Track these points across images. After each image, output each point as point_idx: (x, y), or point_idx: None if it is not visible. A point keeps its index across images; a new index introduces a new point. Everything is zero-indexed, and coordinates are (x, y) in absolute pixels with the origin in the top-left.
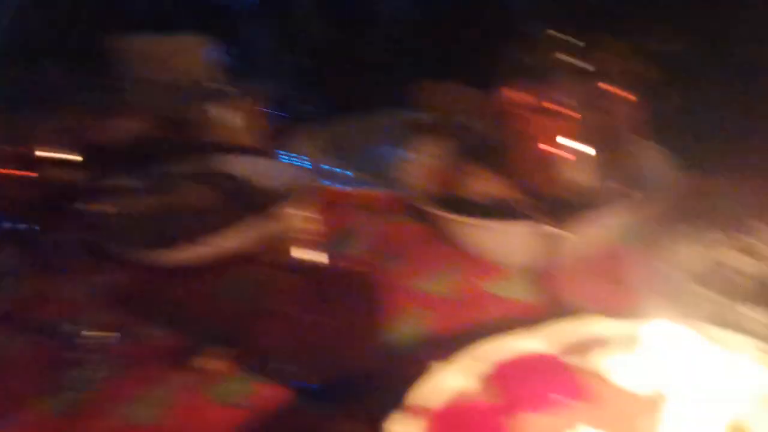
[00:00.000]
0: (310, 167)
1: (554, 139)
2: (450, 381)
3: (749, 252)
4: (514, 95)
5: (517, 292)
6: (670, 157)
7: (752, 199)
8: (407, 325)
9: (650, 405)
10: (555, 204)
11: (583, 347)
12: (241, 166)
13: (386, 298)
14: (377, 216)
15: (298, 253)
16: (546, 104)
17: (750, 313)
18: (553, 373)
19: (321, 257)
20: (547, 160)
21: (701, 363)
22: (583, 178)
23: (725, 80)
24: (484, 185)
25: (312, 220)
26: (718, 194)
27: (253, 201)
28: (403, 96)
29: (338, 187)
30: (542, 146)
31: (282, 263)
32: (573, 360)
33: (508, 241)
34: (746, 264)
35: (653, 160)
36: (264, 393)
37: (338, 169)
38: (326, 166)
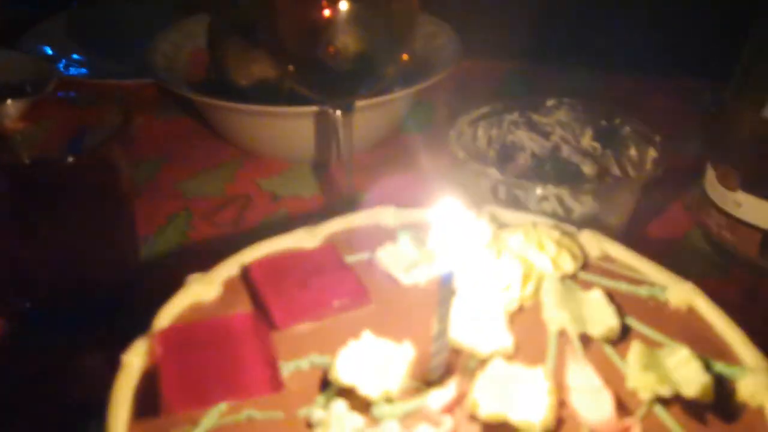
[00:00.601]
0: (54, 58)
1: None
2: (198, 293)
3: (542, 133)
4: None
5: (295, 188)
6: (459, 38)
7: (545, 81)
8: (166, 235)
9: (437, 298)
10: (330, 80)
11: (365, 241)
12: None
13: (133, 203)
14: (130, 109)
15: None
16: None
17: (542, 192)
18: (327, 273)
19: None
20: (318, 29)
21: (489, 250)
22: (359, 47)
23: None
24: (253, 66)
25: (50, 117)
26: (510, 77)
27: None
28: None
29: (84, 77)
30: (311, 14)
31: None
32: (352, 258)
33: (284, 129)
34: (539, 145)
35: (441, 39)
36: None
37: (84, 58)
38: (75, 56)
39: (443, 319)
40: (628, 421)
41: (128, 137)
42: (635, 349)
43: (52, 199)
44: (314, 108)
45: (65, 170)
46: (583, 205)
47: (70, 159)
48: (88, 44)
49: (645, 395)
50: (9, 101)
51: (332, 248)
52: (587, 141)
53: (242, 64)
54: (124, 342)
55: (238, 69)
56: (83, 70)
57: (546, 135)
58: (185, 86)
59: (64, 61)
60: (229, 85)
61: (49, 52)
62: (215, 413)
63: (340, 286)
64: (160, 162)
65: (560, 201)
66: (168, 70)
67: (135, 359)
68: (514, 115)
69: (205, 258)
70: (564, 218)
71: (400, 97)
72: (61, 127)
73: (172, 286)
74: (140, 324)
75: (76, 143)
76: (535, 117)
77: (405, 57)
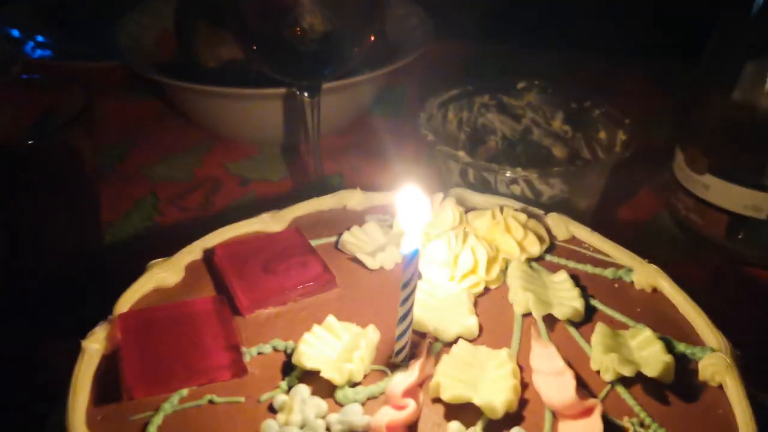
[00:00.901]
0: (20, 40)
1: None
2: (160, 278)
3: (513, 116)
4: None
5: (264, 171)
6: (430, 20)
7: (516, 63)
8: (132, 220)
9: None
10: (296, 61)
11: (331, 225)
12: None
13: (97, 187)
14: (94, 92)
15: None
16: None
17: (511, 175)
18: (292, 257)
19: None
20: (284, 9)
21: (455, 233)
22: (325, 27)
23: None
24: (221, 48)
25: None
26: (481, 60)
27: None
28: None
29: (50, 60)
30: None
31: None
32: (317, 242)
33: (252, 112)
34: (510, 128)
35: (412, 21)
36: None
37: (51, 40)
38: (40, 38)
39: (407, 302)
40: (591, 402)
41: (91, 120)
42: (598, 331)
43: (13, 183)
44: (282, 90)
45: (26, 154)
46: (552, 188)
47: (30, 142)
48: (55, 26)
49: (607, 376)
50: None
51: (297, 232)
52: (558, 124)
53: (210, 45)
54: (86, 327)
55: (206, 51)
56: (49, 53)
57: (517, 118)
58: (152, 68)
59: (30, 43)
60: (196, 67)
61: (16, 34)
62: (176, 398)
63: (306, 271)
64: (127, 145)
65: (529, 184)
66: (135, 52)
67: (95, 345)
68: (485, 98)
69: (172, 243)
70: (533, 201)
71: (368, 80)
72: (25, 110)
73: (136, 271)
74: (103, 309)
75: (39, 126)
76: (506, 99)
77: (372, 38)
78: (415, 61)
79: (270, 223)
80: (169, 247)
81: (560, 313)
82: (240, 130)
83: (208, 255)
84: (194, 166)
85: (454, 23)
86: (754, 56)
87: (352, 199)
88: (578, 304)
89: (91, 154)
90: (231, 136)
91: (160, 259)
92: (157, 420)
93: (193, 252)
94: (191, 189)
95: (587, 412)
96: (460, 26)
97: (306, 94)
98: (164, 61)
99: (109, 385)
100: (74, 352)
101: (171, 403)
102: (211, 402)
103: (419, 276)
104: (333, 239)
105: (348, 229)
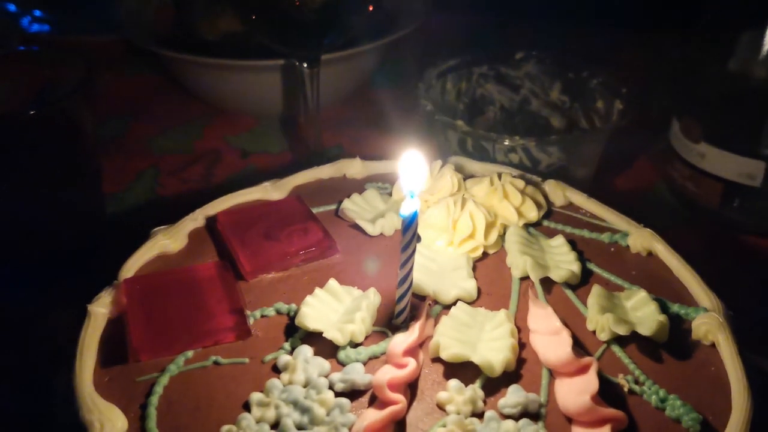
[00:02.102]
0: (17, 14)
1: None
2: (164, 245)
3: (512, 86)
4: None
5: (264, 144)
6: None
7: (514, 37)
8: (134, 191)
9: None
10: (295, 32)
11: (332, 192)
12: None
13: (98, 157)
14: (94, 64)
15: None
16: None
17: (509, 144)
18: (294, 224)
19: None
20: None
21: (454, 199)
22: None
23: None
24: (219, 20)
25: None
26: (480, 31)
27: None
28: None
29: (48, 34)
30: None
31: None
32: (318, 209)
33: (252, 83)
34: (508, 98)
35: None
36: None
37: (48, 15)
38: (38, 12)
39: (406, 264)
40: (586, 360)
41: (92, 91)
42: (594, 292)
43: (14, 153)
44: (281, 62)
45: (27, 123)
46: (549, 156)
47: (32, 112)
48: (53, 0)
49: (603, 336)
50: None
51: (298, 199)
52: (556, 94)
53: (209, 18)
54: (90, 294)
55: (205, 23)
56: (47, 27)
57: (515, 88)
58: (152, 42)
59: (28, 17)
60: (196, 39)
61: (12, 8)
62: (181, 360)
63: (307, 237)
64: (128, 119)
65: (527, 152)
66: (134, 25)
67: (101, 309)
68: (483, 68)
69: (174, 214)
70: (531, 169)
71: (367, 51)
72: (25, 82)
73: (139, 240)
74: (107, 277)
75: (39, 99)
76: (504, 70)
77: (370, 8)
78: (414, 32)
79: (271, 191)
80: (171, 217)
81: (557, 275)
82: (239, 103)
83: (211, 222)
84: (195, 139)
85: None
86: (749, 25)
87: (352, 167)
88: (575, 267)
89: (91, 124)
90: (231, 109)
91: (163, 227)
92: (163, 380)
93: (195, 219)
94: (192, 161)
95: (583, 369)
96: None
97: (305, 65)
98: (163, 34)
99: (115, 348)
100: (79, 317)
101: (176, 365)
102: (216, 363)
103: (419, 239)
104: (333, 207)
105: (348, 196)
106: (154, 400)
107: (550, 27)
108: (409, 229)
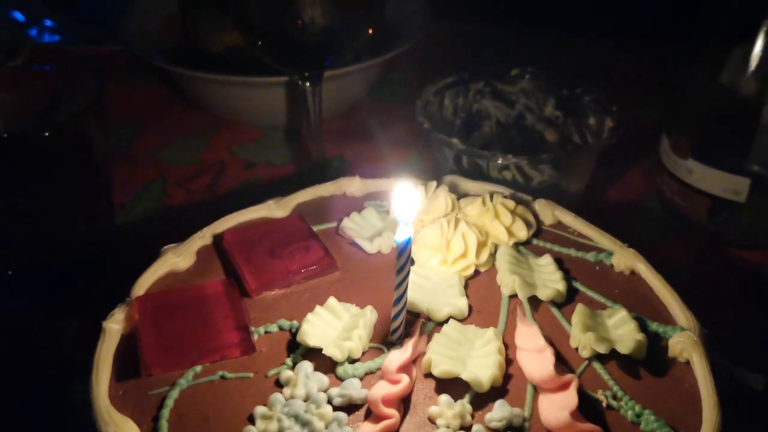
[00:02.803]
0: (26, 24)
1: None
2: (173, 263)
3: (507, 102)
4: None
5: (268, 155)
6: (427, 5)
7: (512, 47)
8: (142, 202)
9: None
10: (298, 53)
11: (331, 211)
12: None
13: (108, 171)
14: (104, 79)
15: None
16: None
17: (502, 162)
18: (296, 242)
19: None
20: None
21: (447, 219)
22: (326, 21)
23: None
24: (224, 34)
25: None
26: (478, 43)
27: None
28: None
29: (57, 44)
30: None
31: None
32: (319, 227)
33: (256, 97)
34: (504, 113)
35: (411, 5)
36: None
37: (56, 24)
38: (48, 22)
39: (401, 286)
40: (567, 377)
41: (102, 109)
42: (578, 311)
43: (29, 169)
44: (284, 78)
45: (41, 142)
46: (542, 174)
47: (46, 133)
48: (61, 10)
49: (585, 353)
50: None
51: (300, 218)
52: (550, 110)
53: (214, 32)
54: (101, 307)
55: (210, 37)
56: (56, 37)
57: (511, 104)
58: (158, 54)
59: (36, 27)
60: (201, 52)
61: (20, 18)
62: (190, 374)
63: (308, 255)
64: (134, 130)
65: (520, 170)
66: (140, 37)
67: (115, 325)
68: (480, 84)
69: (181, 225)
70: (525, 186)
71: (368, 67)
72: (35, 95)
73: (148, 253)
74: (116, 290)
75: (48, 111)
76: (500, 86)
77: (370, 31)
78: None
79: (275, 209)
80: (178, 229)
81: (544, 294)
82: (244, 115)
83: (218, 240)
84: (201, 150)
85: (453, 3)
86: (738, 41)
87: (352, 185)
88: (561, 286)
89: (102, 140)
90: (235, 120)
91: (172, 245)
92: (174, 394)
93: (203, 237)
94: (198, 172)
95: (564, 386)
96: (458, 7)
97: (308, 84)
98: (169, 46)
99: (128, 363)
100: (89, 329)
101: (186, 379)
102: (222, 377)
103: (412, 262)
104: (334, 224)
105: (348, 215)
106: (166, 413)
107: (547, 37)
108: (403, 254)
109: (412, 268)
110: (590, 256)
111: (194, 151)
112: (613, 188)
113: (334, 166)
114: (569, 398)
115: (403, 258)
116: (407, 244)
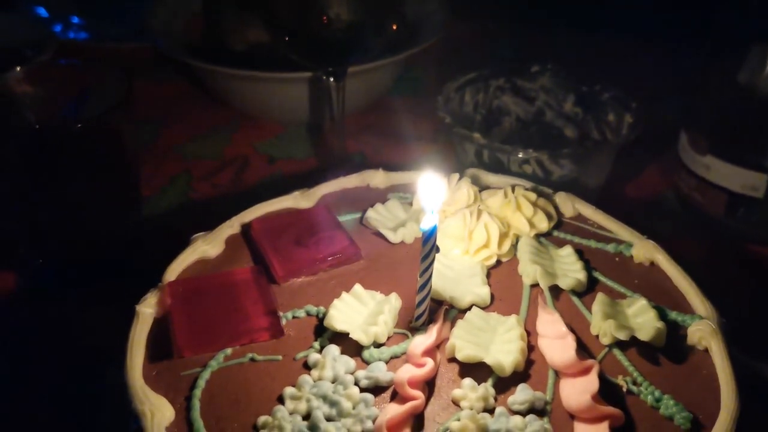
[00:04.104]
0: (50, 20)
1: None
2: (203, 250)
3: (527, 98)
4: None
5: (290, 150)
6: (447, 3)
7: (531, 44)
8: (168, 195)
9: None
10: (323, 49)
11: (356, 201)
12: None
13: (136, 163)
14: (131, 75)
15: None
16: None
17: (523, 156)
18: (321, 232)
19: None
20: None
21: (470, 210)
22: (351, 17)
23: None
24: (248, 31)
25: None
26: (498, 40)
27: None
28: None
29: (82, 41)
30: None
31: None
32: (344, 217)
33: (279, 93)
34: (524, 110)
35: (431, 4)
36: None
37: (82, 21)
38: (75, 19)
39: (425, 273)
40: (589, 362)
41: (131, 103)
42: (598, 300)
43: (60, 162)
44: (307, 74)
45: (72, 135)
46: (562, 168)
47: (78, 126)
48: (85, 6)
49: (605, 340)
50: (18, 68)
51: (326, 209)
52: (569, 106)
53: (237, 29)
54: (132, 293)
55: (234, 34)
56: (81, 34)
57: (530, 100)
58: (183, 50)
59: (61, 24)
60: (225, 49)
61: (44, 14)
62: (221, 356)
63: (334, 244)
64: (159, 125)
65: (540, 164)
66: (166, 34)
67: (148, 309)
68: (500, 81)
69: (206, 217)
70: (544, 180)
71: (389, 63)
72: (64, 89)
73: (175, 243)
74: (146, 278)
75: (78, 104)
76: (520, 82)
77: (394, 27)
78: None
79: (300, 199)
80: (205, 221)
81: (565, 283)
82: (267, 111)
83: (246, 229)
84: (224, 145)
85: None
86: (758, 40)
87: (376, 178)
88: (581, 276)
89: (130, 134)
90: (258, 116)
91: (202, 233)
92: (206, 375)
93: (232, 226)
94: (222, 167)
95: (585, 371)
96: (477, 5)
97: (332, 79)
98: (194, 43)
99: (161, 345)
100: (124, 315)
101: (217, 361)
102: (252, 360)
103: (437, 250)
104: (358, 215)
105: (372, 206)
106: (198, 392)
107: (568, 34)
108: (429, 241)
109: (436, 256)
110: (610, 248)
111: (217, 147)
112: (632, 184)
113: (355, 161)
114: (591, 382)
115: (428, 245)
116: (432, 231)
